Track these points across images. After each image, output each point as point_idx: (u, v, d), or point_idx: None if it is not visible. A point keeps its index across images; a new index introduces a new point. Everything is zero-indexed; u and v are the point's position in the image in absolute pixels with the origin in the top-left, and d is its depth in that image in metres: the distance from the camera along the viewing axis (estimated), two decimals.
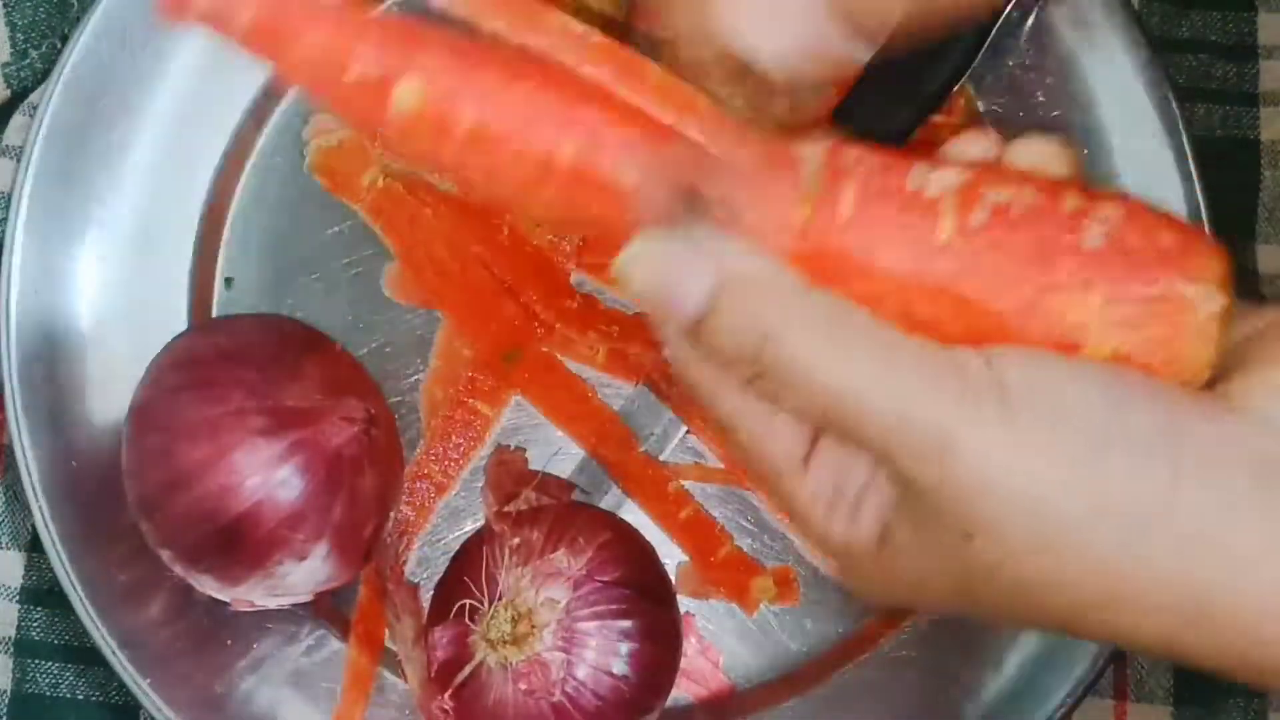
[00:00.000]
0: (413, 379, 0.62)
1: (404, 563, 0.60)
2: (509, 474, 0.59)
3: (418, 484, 0.61)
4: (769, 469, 0.38)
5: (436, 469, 0.61)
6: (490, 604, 0.53)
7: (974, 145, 0.38)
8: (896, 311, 0.36)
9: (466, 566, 0.56)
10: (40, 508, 0.57)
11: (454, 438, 0.61)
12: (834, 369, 0.35)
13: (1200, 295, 0.35)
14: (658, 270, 0.36)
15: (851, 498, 0.37)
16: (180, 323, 0.61)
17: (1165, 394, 0.35)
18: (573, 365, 0.62)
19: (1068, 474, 0.34)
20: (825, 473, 0.38)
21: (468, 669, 0.53)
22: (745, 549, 0.61)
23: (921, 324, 0.36)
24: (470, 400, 0.61)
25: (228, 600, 0.56)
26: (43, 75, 0.62)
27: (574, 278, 0.62)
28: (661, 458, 0.61)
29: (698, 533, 0.61)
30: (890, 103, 0.44)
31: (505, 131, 0.36)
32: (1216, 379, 0.36)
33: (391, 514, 0.59)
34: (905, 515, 0.36)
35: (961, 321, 0.36)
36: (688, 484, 0.61)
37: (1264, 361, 0.36)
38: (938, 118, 0.62)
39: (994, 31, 0.55)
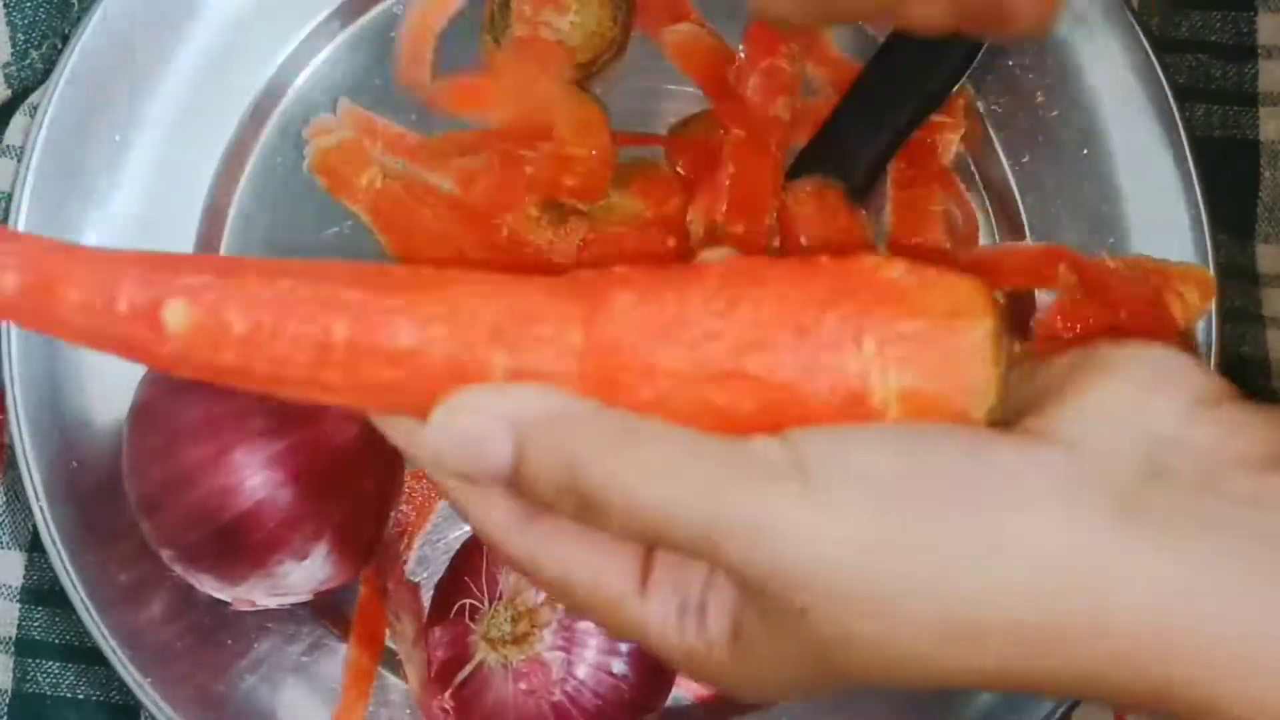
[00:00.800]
0: None
1: (405, 562, 0.60)
2: None
3: (418, 484, 0.61)
4: (609, 606, 0.39)
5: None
6: (490, 604, 0.53)
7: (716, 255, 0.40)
8: (695, 407, 0.37)
9: (466, 566, 0.56)
10: (40, 507, 0.57)
11: None
12: (640, 484, 0.35)
13: (965, 323, 0.36)
14: (461, 441, 0.37)
15: (695, 604, 0.38)
16: None
17: (966, 437, 0.36)
18: None
19: (876, 535, 0.34)
20: (665, 590, 0.38)
21: (468, 669, 0.53)
22: None
23: (722, 414, 0.37)
24: None
25: (228, 600, 0.56)
26: (43, 75, 0.62)
27: None
28: None
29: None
30: (857, 142, 0.46)
31: (277, 325, 0.38)
32: (1024, 415, 0.37)
33: (391, 514, 0.58)
34: (747, 606, 0.37)
35: (756, 400, 0.37)
36: None
37: (1070, 392, 0.37)
38: (937, 118, 0.62)
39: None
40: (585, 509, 0.36)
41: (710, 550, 0.35)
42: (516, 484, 0.37)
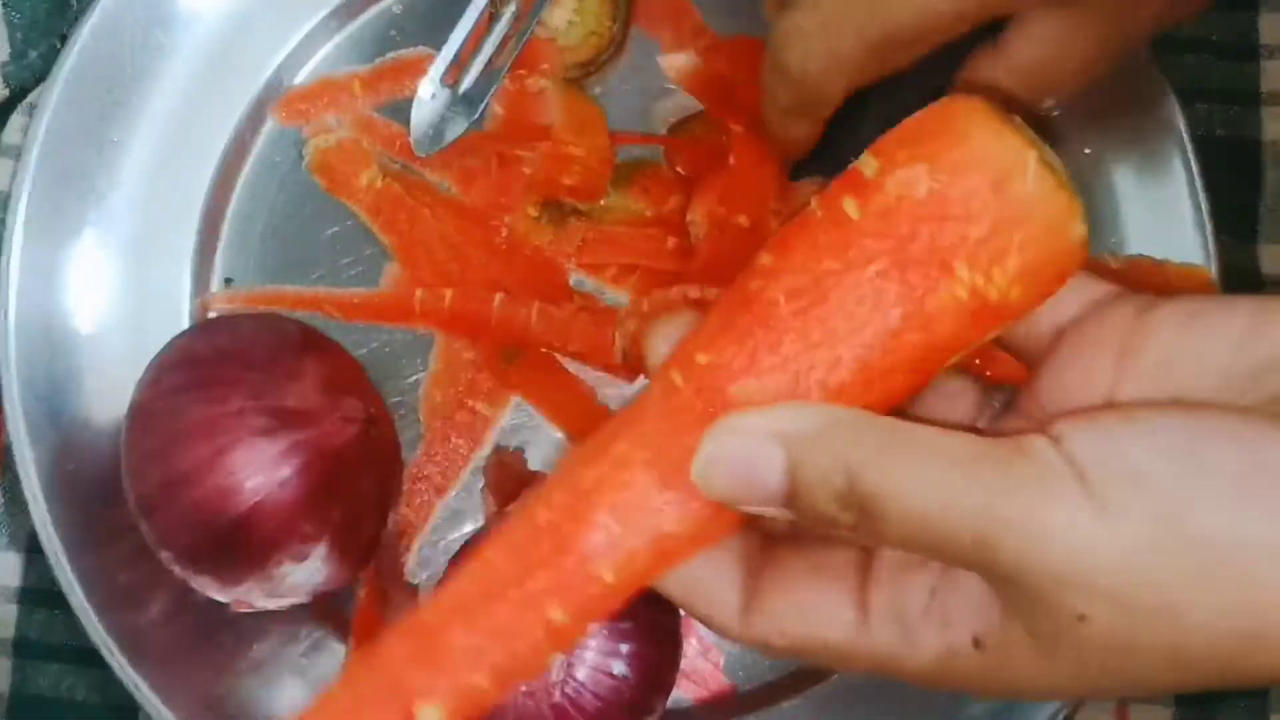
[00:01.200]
0: (413, 379, 0.62)
1: (404, 563, 0.60)
2: (509, 475, 0.59)
3: (418, 485, 0.61)
4: (841, 651, 0.39)
5: (436, 470, 0.61)
6: None
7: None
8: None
9: None
10: (39, 508, 0.57)
11: (454, 438, 0.61)
12: (916, 490, 0.35)
13: (1010, 174, 0.35)
14: (731, 466, 0.37)
15: (919, 612, 0.38)
16: (180, 323, 0.61)
17: (1242, 430, 0.35)
18: (572, 366, 0.62)
19: (1159, 540, 0.34)
20: (882, 615, 0.38)
21: None
22: None
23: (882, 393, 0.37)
24: (470, 401, 0.61)
25: (227, 601, 0.56)
26: (42, 75, 0.62)
27: (573, 278, 0.62)
28: None
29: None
30: (859, 142, 0.46)
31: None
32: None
33: (391, 514, 0.58)
34: (1008, 614, 0.36)
35: (904, 368, 0.37)
36: None
37: None
38: None
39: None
40: (864, 517, 0.36)
41: (987, 556, 0.35)
42: (791, 501, 0.37)
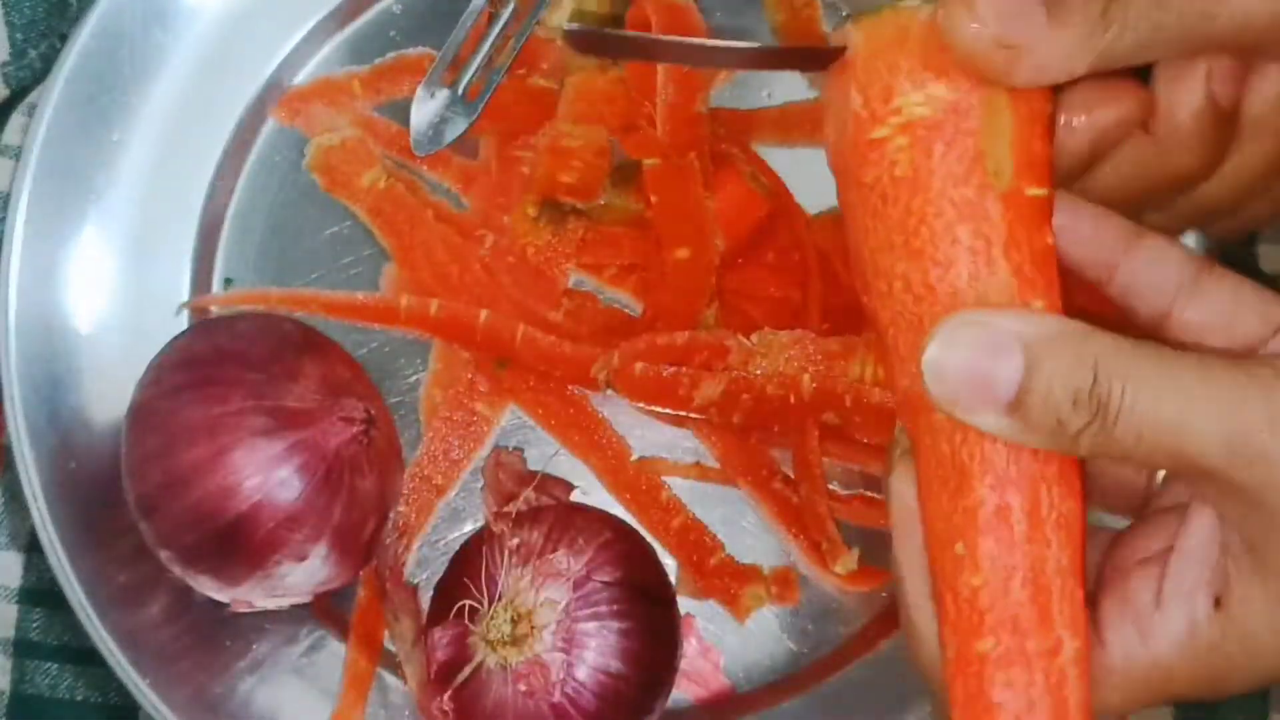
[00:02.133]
0: (413, 379, 0.62)
1: (404, 563, 0.60)
2: (508, 475, 0.59)
3: (418, 485, 0.61)
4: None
5: (436, 471, 0.61)
6: (490, 605, 0.53)
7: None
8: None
9: (466, 567, 0.56)
10: (39, 508, 0.57)
11: (453, 439, 0.61)
12: (1166, 403, 0.35)
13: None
14: (964, 367, 0.37)
15: (1153, 606, 0.38)
16: (180, 323, 0.61)
17: None
18: None
19: None
20: (1117, 625, 0.39)
21: (467, 670, 0.53)
22: (744, 549, 0.61)
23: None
24: (470, 402, 0.61)
25: (227, 601, 0.56)
26: (42, 74, 0.62)
27: (573, 278, 0.62)
28: (660, 455, 0.61)
29: (690, 541, 0.61)
30: None
31: None
32: None
33: (391, 514, 0.58)
34: (1245, 565, 0.37)
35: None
36: (685, 485, 0.61)
37: None
38: None
39: None
40: (1100, 418, 0.36)
41: (1227, 473, 0.35)
42: (1020, 403, 0.36)
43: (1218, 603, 0.37)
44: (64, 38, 0.62)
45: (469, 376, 0.61)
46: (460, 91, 0.63)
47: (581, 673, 0.53)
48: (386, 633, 0.59)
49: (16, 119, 0.62)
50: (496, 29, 0.63)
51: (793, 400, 0.58)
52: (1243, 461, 0.35)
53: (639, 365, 0.58)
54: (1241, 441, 0.35)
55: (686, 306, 0.60)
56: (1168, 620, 0.38)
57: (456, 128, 0.63)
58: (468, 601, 0.54)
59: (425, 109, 0.63)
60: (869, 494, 0.61)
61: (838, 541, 0.59)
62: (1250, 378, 0.36)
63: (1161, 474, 0.42)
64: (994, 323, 0.37)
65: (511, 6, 0.63)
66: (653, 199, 0.61)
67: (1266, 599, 0.37)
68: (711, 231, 0.61)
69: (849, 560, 0.59)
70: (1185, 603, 0.38)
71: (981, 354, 0.36)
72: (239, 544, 0.53)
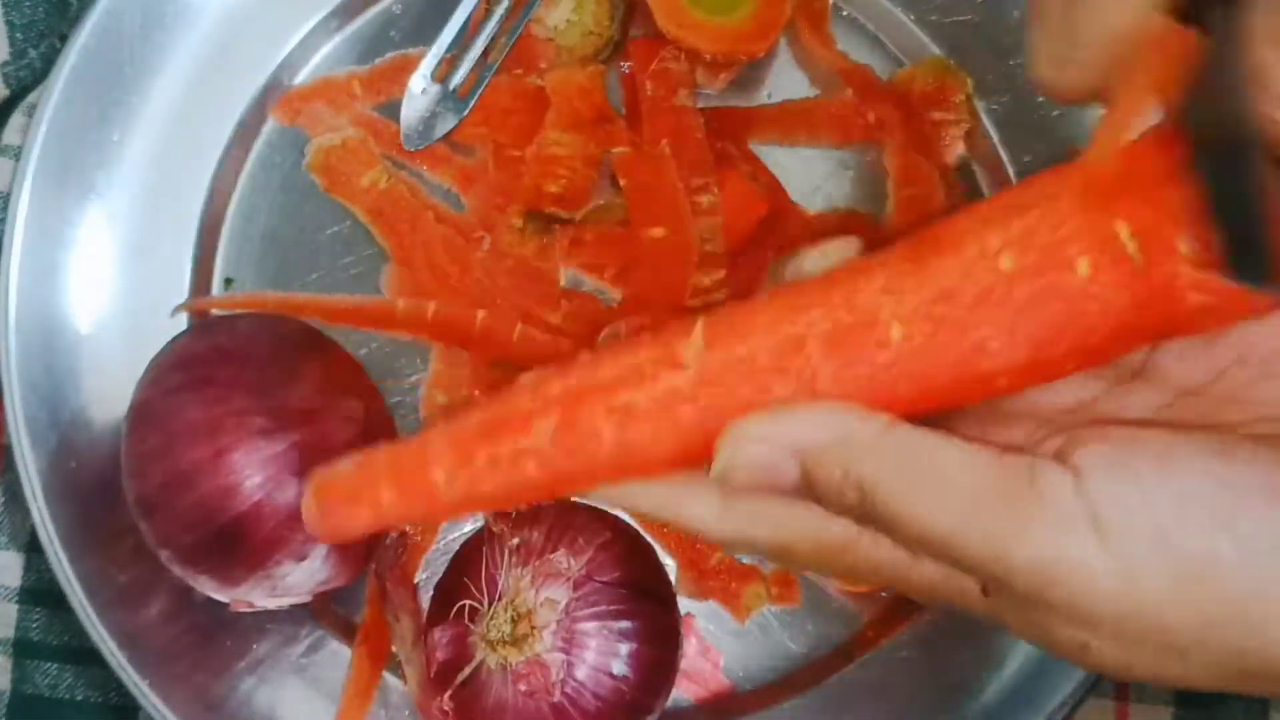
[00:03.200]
0: (413, 379, 0.62)
1: (404, 563, 0.60)
2: None
3: None
4: (836, 551, 0.40)
5: None
6: (490, 605, 0.53)
7: (837, 251, 0.40)
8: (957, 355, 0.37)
9: (466, 567, 0.56)
10: (39, 508, 0.57)
11: None
12: (926, 513, 0.36)
13: None
14: (750, 473, 0.38)
15: None
16: (180, 323, 0.61)
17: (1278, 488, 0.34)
18: None
19: (1174, 594, 0.34)
20: None
21: (467, 670, 0.53)
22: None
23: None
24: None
25: (227, 601, 0.56)
26: (42, 75, 0.62)
27: (573, 279, 0.62)
28: None
29: (690, 541, 0.61)
30: None
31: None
32: None
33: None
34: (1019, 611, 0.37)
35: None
36: None
37: None
38: (938, 114, 0.62)
39: None
40: (878, 525, 0.37)
41: (998, 581, 0.36)
42: (810, 499, 0.38)
43: (984, 590, 0.38)
44: (64, 38, 0.62)
45: (466, 392, 0.61)
46: (451, 88, 0.63)
47: (581, 673, 0.53)
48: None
49: (16, 119, 0.62)
50: (490, 25, 0.63)
51: None
52: (998, 581, 0.36)
53: None
54: (996, 565, 0.35)
55: (665, 288, 0.60)
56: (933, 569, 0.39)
57: (447, 123, 0.63)
58: (468, 601, 0.54)
59: (416, 104, 0.63)
60: None
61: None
62: (1033, 490, 0.35)
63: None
64: (771, 436, 0.37)
65: (505, 3, 0.63)
66: (622, 183, 0.61)
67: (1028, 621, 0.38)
68: (688, 215, 0.61)
69: None
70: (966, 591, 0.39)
71: (761, 469, 0.38)
72: (239, 544, 0.53)
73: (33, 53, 0.62)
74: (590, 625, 0.53)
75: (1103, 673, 0.37)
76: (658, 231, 0.61)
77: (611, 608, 0.54)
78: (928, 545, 0.36)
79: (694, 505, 0.40)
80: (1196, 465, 0.34)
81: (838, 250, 0.40)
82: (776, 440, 0.37)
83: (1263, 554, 0.33)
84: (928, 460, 0.36)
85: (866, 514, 0.37)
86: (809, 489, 0.37)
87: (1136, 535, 0.34)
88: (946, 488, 0.36)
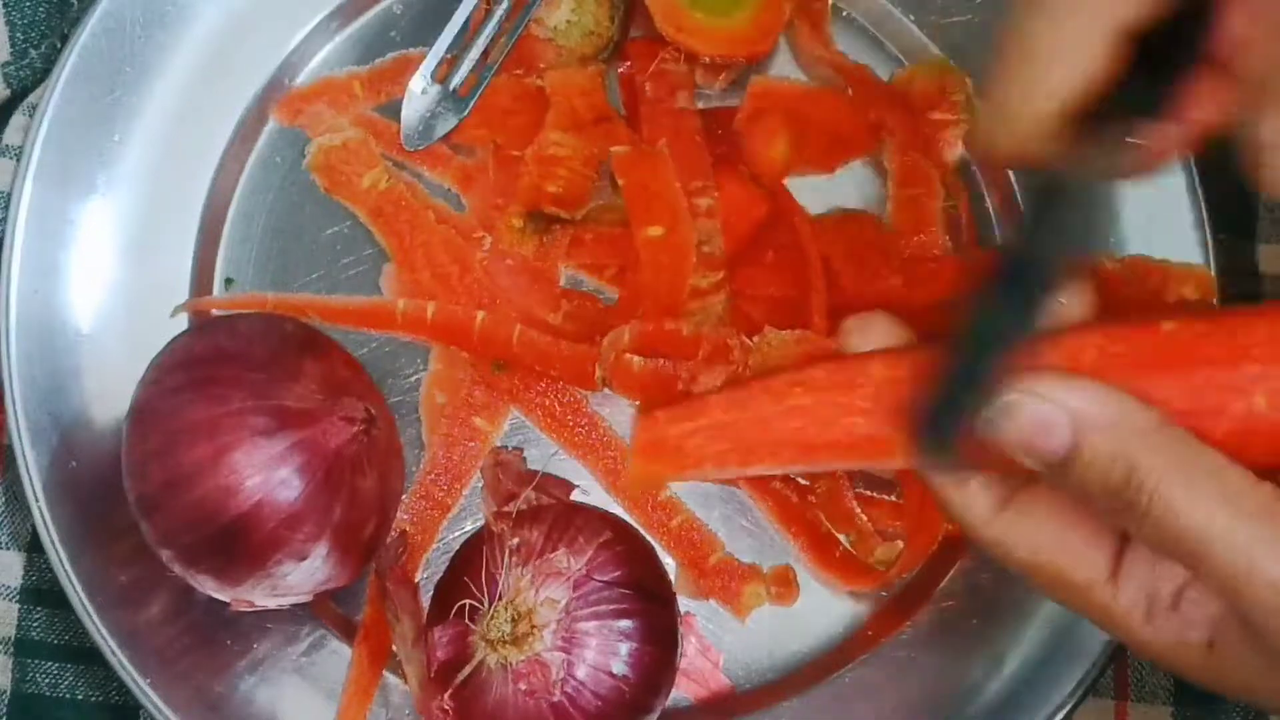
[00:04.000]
0: (413, 379, 0.62)
1: (404, 563, 0.60)
2: (508, 475, 0.59)
3: (423, 504, 0.61)
4: (1077, 589, 0.42)
5: (439, 488, 0.61)
6: (490, 604, 0.53)
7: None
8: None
9: (466, 567, 0.56)
10: (40, 508, 0.57)
11: (454, 456, 0.61)
12: (1193, 512, 0.38)
13: None
14: (1024, 425, 0.40)
15: (1166, 604, 0.41)
16: (180, 323, 0.61)
17: None
18: None
19: None
20: (1135, 584, 0.42)
21: (468, 669, 0.53)
22: (744, 548, 0.61)
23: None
24: (468, 417, 0.61)
25: (228, 600, 0.56)
26: (43, 75, 0.62)
27: (564, 278, 0.62)
28: None
29: (689, 540, 0.61)
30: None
31: None
32: None
33: (393, 514, 0.58)
34: (1238, 635, 0.39)
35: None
36: (684, 484, 0.61)
37: None
38: (939, 115, 0.62)
39: None
40: (1127, 511, 0.39)
41: (1235, 593, 0.38)
42: (1064, 472, 0.40)
43: (1211, 644, 0.41)
44: (65, 38, 0.62)
45: (465, 394, 0.61)
46: (451, 88, 0.63)
47: (581, 672, 0.53)
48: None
49: (17, 119, 0.62)
50: (490, 26, 0.63)
51: None
52: (1239, 595, 0.38)
53: (635, 361, 0.58)
54: (1241, 578, 0.38)
55: (664, 287, 0.60)
56: (1169, 627, 0.41)
57: (447, 123, 0.63)
58: (468, 601, 0.54)
59: (416, 105, 0.63)
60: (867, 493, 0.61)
61: (869, 532, 0.60)
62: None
63: None
64: (1058, 396, 0.40)
65: (505, 3, 0.63)
66: (620, 182, 0.61)
67: (1246, 671, 0.40)
68: (686, 215, 0.61)
69: (889, 550, 0.60)
70: (1189, 628, 0.41)
71: (1033, 426, 0.40)
72: (240, 543, 0.53)
73: (33, 53, 0.62)
74: (590, 625, 0.53)
75: None
76: (656, 231, 0.61)
77: (611, 607, 0.54)
78: (1182, 542, 0.38)
79: (977, 498, 0.43)
80: None
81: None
82: (1060, 402, 0.39)
83: None
84: (1203, 460, 0.38)
85: (1127, 499, 0.38)
86: (1073, 459, 0.39)
87: None
88: (1217, 489, 0.38)
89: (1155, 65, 0.42)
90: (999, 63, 0.44)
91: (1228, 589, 0.38)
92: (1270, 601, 0.37)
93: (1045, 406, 0.40)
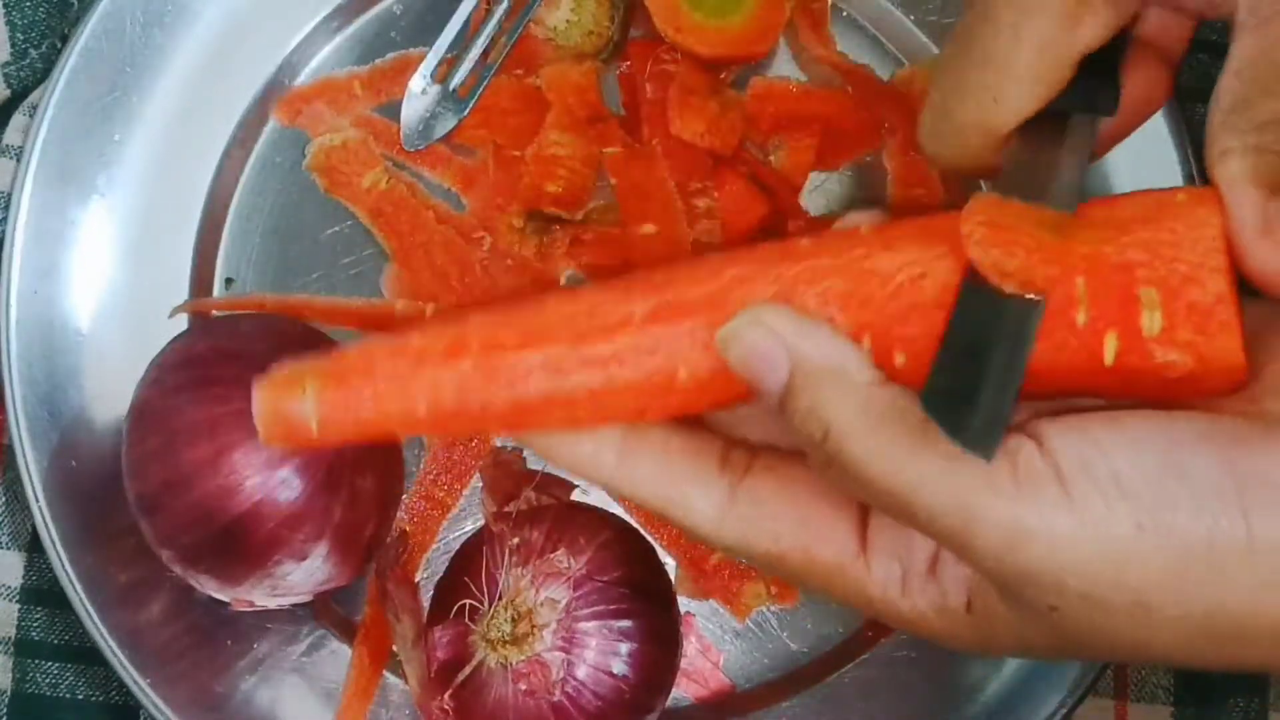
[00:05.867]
0: None
1: (404, 563, 0.60)
2: (507, 475, 0.59)
3: (423, 505, 0.61)
4: (827, 571, 0.40)
5: (439, 489, 0.61)
6: (490, 604, 0.53)
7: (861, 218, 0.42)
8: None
9: (466, 567, 0.56)
10: (40, 508, 0.57)
11: (455, 456, 0.61)
12: (894, 469, 0.36)
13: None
14: (745, 352, 0.38)
15: (921, 570, 0.39)
16: (180, 323, 0.61)
17: (1218, 435, 0.35)
18: None
19: (1134, 544, 0.34)
20: (884, 555, 0.39)
21: (468, 669, 0.53)
22: None
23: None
24: None
25: (228, 600, 0.56)
26: (43, 75, 0.62)
27: (564, 278, 0.62)
28: None
29: (689, 540, 0.61)
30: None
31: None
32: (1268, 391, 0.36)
33: (393, 514, 0.58)
34: (989, 590, 0.37)
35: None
36: None
37: None
38: None
39: None
40: (829, 467, 0.37)
41: (961, 545, 0.35)
42: (781, 410, 0.38)
43: (969, 605, 0.39)
44: (65, 38, 0.62)
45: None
46: (451, 88, 0.63)
47: (582, 672, 0.53)
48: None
49: (17, 119, 0.62)
50: (490, 26, 0.63)
51: None
52: (965, 545, 0.36)
53: None
54: (961, 526, 0.35)
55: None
56: (928, 596, 0.39)
57: (447, 124, 0.63)
58: (468, 601, 0.54)
59: (416, 105, 0.63)
60: None
61: None
62: (1004, 456, 0.36)
63: None
64: (780, 329, 0.38)
65: (505, 3, 0.63)
66: (613, 181, 0.61)
67: (1009, 625, 0.38)
68: (679, 212, 0.61)
69: None
70: (946, 595, 0.39)
71: (755, 356, 0.38)
72: (240, 543, 0.53)
73: (34, 53, 0.62)
74: (590, 624, 0.53)
75: (1075, 645, 0.37)
76: (649, 228, 0.61)
77: (611, 607, 0.54)
78: (890, 500, 0.36)
79: (698, 504, 0.40)
80: (1142, 421, 0.36)
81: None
82: (785, 339, 0.38)
83: (1209, 499, 0.34)
84: (906, 418, 0.36)
85: (824, 453, 0.37)
86: (785, 401, 0.38)
87: (1096, 484, 0.34)
88: (917, 445, 0.36)
89: (1092, 64, 0.41)
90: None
91: (952, 545, 0.36)
92: (1000, 544, 0.35)
93: (769, 342, 0.38)
